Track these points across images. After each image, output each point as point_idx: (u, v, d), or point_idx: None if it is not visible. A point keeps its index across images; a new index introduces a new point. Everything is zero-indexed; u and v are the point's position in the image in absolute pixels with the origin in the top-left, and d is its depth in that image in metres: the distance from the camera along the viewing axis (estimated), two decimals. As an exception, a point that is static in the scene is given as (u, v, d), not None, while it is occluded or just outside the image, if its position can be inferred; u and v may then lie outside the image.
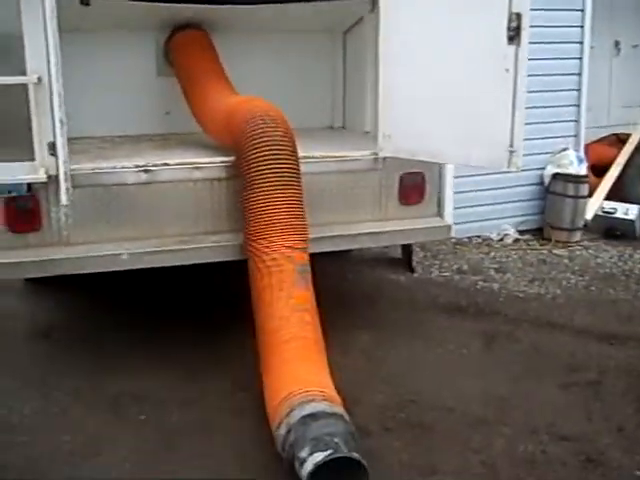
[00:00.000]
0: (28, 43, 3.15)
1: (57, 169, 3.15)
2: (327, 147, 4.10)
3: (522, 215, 6.47)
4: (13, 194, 3.36)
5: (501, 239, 6.26)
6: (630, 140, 7.03)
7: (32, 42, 3.13)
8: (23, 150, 3.29)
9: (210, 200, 3.67)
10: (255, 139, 3.39)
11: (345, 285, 5.11)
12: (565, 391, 3.61)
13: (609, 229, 6.41)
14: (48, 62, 3.04)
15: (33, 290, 4.85)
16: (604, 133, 7.35)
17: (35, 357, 3.99)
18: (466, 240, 6.18)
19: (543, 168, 6.35)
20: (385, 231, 3.99)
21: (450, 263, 5.66)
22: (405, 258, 5.52)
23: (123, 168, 3.54)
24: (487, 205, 6.25)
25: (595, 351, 4.06)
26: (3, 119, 3.45)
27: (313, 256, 3.46)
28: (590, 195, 6.45)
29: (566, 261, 5.78)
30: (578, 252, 6.02)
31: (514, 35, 3.15)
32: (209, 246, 3.63)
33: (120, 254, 3.48)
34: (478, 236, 6.28)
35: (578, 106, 6.55)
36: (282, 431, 2.76)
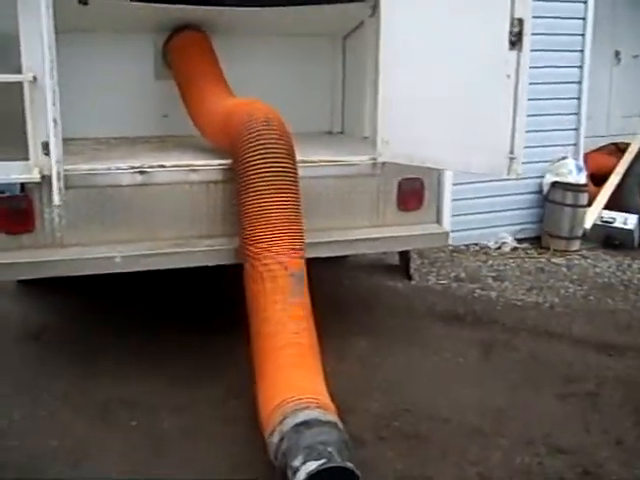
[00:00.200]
0: (24, 41, 3.11)
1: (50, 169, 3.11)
2: (325, 151, 4.06)
3: (520, 223, 6.44)
4: (6, 194, 3.32)
5: (499, 247, 6.23)
6: (629, 149, 7.01)
7: (28, 40, 3.09)
8: (17, 149, 3.25)
9: (206, 203, 3.63)
10: (251, 141, 3.34)
11: (341, 291, 5.07)
12: (563, 402, 3.57)
13: (608, 238, 6.38)
14: (44, 60, 2.99)
15: (25, 292, 4.81)
16: (603, 143, 7.33)
17: (25, 359, 3.94)
18: (464, 248, 6.15)
19: (542, 176, 6.33)
20: (383, 237, 3.94)
21: (447, 271, 5.62)
22: (402, 265, 5.48)
23: (118, 169, 3.49)
24: (485, 213, 6.23)
25: (593, 361, 4.03)
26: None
27: (309, 261, 3.41)
28: (589, 204, 6.43)
29: (564, 270, 5.75)
30: (576, 261, 5.99)
31: (516, 40, 3.11)
32: (204, 250, 3.58)
33: (114, 257, 3.43)
34: (476, 244, 6.25)
35: (578, 114, 6.54)
36: (275, 439, 2.71)
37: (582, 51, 6.43)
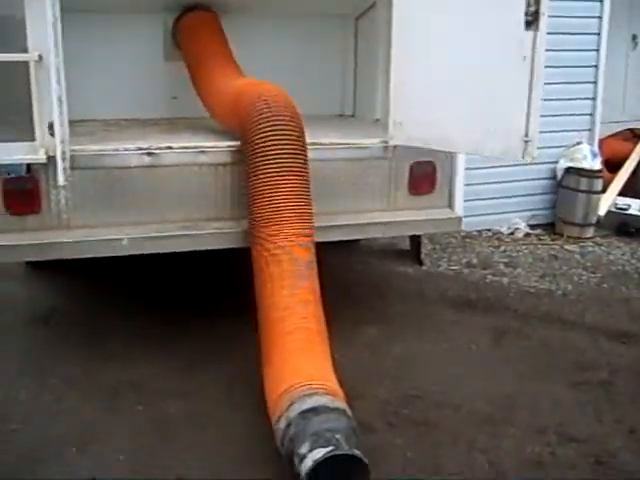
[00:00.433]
0: (30, 20, 3.07)
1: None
2: (336, 134, 4.00)
3: (533, 209, 6.36)
4: (12, 175, 3.28)
5: (511, 233, 6.16)
6: (645, 135, 6.93)
7: (34, 19, 3.05)
8: (23, 130, 3.21)
9: (215, 185, 3.58)
10: (261, 122, 3.28)
11: (352, 276, 5.02)
12: (575, 390, 3.51)
13: (622, 225, 6.30)
14: (48, 38, 2.94)
15: (34, 275, 4.79)
16: (618, 128, 7.23)
17: (33, 342, 3.93)
18: (476, 233, 6.09)
19: (556, 162, 6.24)
20: (394, 221, 3.89)
21: (459, 256, 5.57)
22: (413, 250, 5.42)
23: (126, 150, 3.45)
24: (498, 198, 6.15)
25: (606, 349, 3.97)
26: (3, 98, 3.37)
27: (319, 245, 3.36)
28: (603, 191, 6.33)
29: (578, 257, 5.68)
30: (590, 248, 5.91)
31: (532, 20, 3.04)
32: (212, 233, 3.54)
33: (120, 239, 3.40)
34: (488, 229, 6.18)
35: (594, 99, 6.43)
36: (282, 425, 2.67)
37: (599, 34, 6.31)
